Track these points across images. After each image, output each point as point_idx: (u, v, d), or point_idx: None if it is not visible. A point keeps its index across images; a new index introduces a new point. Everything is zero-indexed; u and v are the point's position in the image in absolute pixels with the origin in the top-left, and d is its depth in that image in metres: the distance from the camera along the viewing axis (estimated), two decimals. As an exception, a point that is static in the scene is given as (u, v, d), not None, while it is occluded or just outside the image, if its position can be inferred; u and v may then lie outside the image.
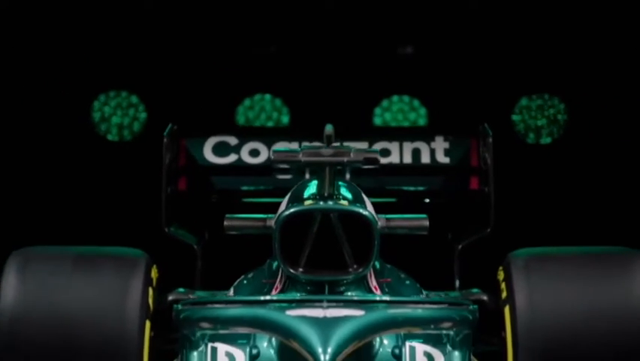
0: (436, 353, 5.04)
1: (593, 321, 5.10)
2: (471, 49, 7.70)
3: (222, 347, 5.04)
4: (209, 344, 5.05)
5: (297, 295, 5.08)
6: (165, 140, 6.38)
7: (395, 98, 7.47)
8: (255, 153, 6.64)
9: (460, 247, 6.12)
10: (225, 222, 5.61)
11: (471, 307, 5.13)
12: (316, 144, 5.66)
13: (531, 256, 5.40)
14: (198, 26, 7.98)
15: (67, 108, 8.18)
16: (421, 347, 5.06)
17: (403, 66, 7.73)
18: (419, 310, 5.07)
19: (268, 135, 6.85)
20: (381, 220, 5.38)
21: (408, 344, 5.06)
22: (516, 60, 7.54)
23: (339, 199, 5.33)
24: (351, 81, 6.83)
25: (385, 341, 5.05)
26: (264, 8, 7.35)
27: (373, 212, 5.35)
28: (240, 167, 6.78)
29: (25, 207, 6.72)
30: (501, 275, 5.41)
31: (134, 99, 8.35)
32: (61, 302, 5.11)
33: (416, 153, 6.67)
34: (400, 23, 7.45)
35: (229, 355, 5.01)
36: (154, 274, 5.39)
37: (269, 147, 6.64)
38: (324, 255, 4.98)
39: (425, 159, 6.72)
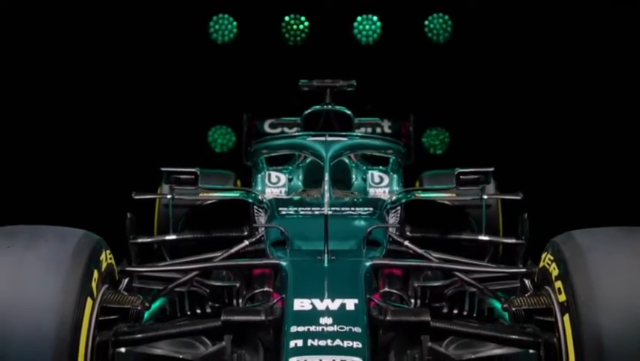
0: (384, 176, 4.99)
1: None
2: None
3: (274, 173, 5.01)
4: (267, 171, 5.02)
5: (312, 132, 5.02)
6: (245, 118, 6.36)
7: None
8: (289, 127, 6.29)
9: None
10: (275, 120, 5.94)
11: (405, 146, 5.25)
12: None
13: (432, 174, 5.58)
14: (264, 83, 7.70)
15: (195, 133, 8.01)
16: (376, 173, 5.02)
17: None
18: (377, 141, 5.14)
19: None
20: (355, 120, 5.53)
21: (369, 172, 5.03)
22: (421, 109, 7.09)
23: (335, 106, 5.48)
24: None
25: (358, 175, 5.01)
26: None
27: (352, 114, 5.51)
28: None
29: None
30: (417, 184, 5.57)
31: (229, 130, 8.19)
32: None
33: (374, 128, 6.40)
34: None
35: (277, 177, 4.97)
36: (239, 182, 5.57)
37: (297, 125, 6.11)
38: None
39: (379, 130, 6.39)
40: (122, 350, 3.59)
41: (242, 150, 6.31)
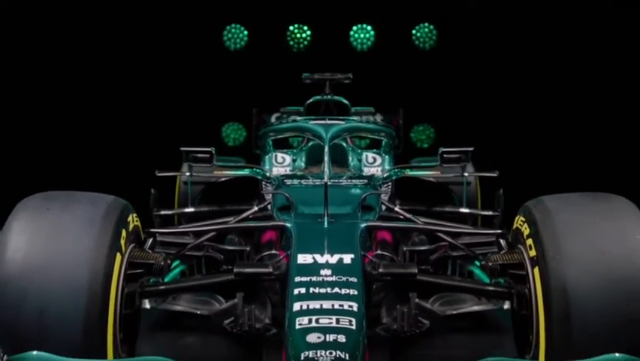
0: (377, 156, 4.92)
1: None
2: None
3: (280, 154, 4.91)
4: (273, 153, 4.95)
5: (313, 117, 5.01)
6: (254, 112, 6.18)
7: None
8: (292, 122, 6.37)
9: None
10: (281, 109, 5.79)
11: (394, 130, 5.19)
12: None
13: (420, 159, 5.52)
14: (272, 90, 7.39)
15: (210, 129, 7.90)
16: (370, 155, 4.95)
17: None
18: (371, 125, 5.13)
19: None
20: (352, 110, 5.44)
21: (364, 154, 4.96)
22: (409, 107, 6.86)
23: (334, 96, 5.41)
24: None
25: (354, 157, 4.92)
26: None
27: (349, 103, 5.44)
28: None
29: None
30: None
31: (240, 126, 8.10)
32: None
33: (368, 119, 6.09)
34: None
35: (282, 157, 4.89)
36: (247, 164, 5.30)
37: (300, 114, 5.87)
38: None
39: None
40: (147, 306, 3.64)
41: (251, 140, 6.26)
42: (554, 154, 7.42)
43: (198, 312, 3.62)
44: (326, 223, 3.44)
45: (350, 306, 2.90)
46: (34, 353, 2.61)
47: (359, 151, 5.04)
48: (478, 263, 3.97)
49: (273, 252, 3.87)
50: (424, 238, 4.30)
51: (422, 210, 4.61)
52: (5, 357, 2.57)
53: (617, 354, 2.64)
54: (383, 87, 7.66)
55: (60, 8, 7.50)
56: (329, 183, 3.72)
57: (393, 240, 4.24)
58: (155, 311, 3.84)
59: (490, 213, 4.58)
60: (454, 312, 3.65)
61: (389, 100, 7.28)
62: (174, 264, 3.99)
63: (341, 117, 4.92)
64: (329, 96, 5.41)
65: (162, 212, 4.59)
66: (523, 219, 3.38)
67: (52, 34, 7.54)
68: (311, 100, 5.39)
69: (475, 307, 3.72)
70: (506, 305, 3.62)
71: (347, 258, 3.18)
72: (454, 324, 3.99)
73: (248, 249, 4.05)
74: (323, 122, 4.69)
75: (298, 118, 5.17)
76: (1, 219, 3.18)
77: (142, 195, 4.68)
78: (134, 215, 3.50)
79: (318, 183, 3.98)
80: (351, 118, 5.10)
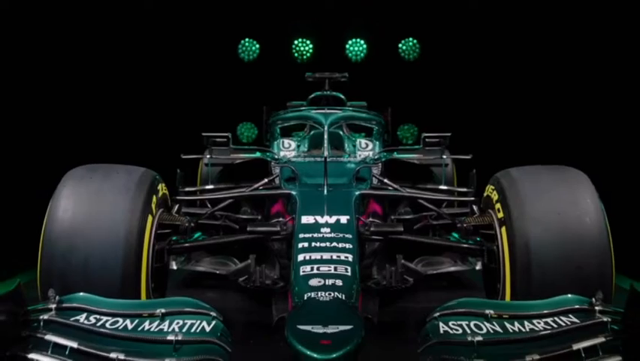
0: (369, 142, 4.89)
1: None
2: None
3: (286, 140, 4.86)
4: (281, 139, 4.91)
5: (315, 107, 4.98)
6: (264, 110, 6.00)
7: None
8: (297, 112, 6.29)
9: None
10: (287, 104, 5.78)
11: (383, 119, 5.18)
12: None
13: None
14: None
15: (226, 128, 7.21)
16: (363, 141, 4.90)
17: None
18: (364, 114, 5.01)
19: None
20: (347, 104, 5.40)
21: (358, 140, 4.90)
22: (396, 109, 7.08)
23: (332, 92, 5.43)
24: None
25: (350, 143, 4.80)
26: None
27: (345, 98, 5.45)
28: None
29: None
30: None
31: (253, 125, 8.12)
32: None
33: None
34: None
35: (288, 143, 4.85)
36: (258, 148, 5.34)
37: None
38: None
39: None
40: (174, 267, 3.66)
41: (262, 133, 6.20)
42: (518, 141, 7.48)
43: (217, 272, 3.66)
44: (325, 191, 3.48)
45: (346, 257, 2.93)
46: (81, 294, 2.66)
47: (353, 138, 5.06)
48: (455, 234, 4.00)
49: (281, 220, 3.89)
50: (409, 210, 4.32)
51: (408, 187, 4.62)
52: (57, 298, 2.59)
53: (569, 295, 2.66)
54: (374, 92, 7.58)
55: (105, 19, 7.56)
56: (328, 159, 3.74)
57: (382, 211, 4.26)
58: (181, 272, 3.86)
59: (465, 189, 4.61)
60: (434, 272, 3.69)
61: (379, 103, 7.36)
62: (196, 235, 4.03)
63: (338, 107, 4.93)
64: (328, 91, 5.42)
65: (186, 189, 4.62)
66: (493, 187, 3.42)
67: (97, 44, 7.58)
68: (313, 95, 5.42)
69: (452, 268, 3.75)
70: (478, 266, 3.64)
71: (343, 219, 3.22)
72: (434, 282, 4.00)
73: (259, 217, 4.07)
74: (323, 111, 4.69)
75: (302, 109, 5.18)
76: (52, 186, 3.23)
77: (170, 175, 4.70)
78: (163, 184, 3.53)
79: (319, 160, 4.01)
80: (347, 108, 5.11)
